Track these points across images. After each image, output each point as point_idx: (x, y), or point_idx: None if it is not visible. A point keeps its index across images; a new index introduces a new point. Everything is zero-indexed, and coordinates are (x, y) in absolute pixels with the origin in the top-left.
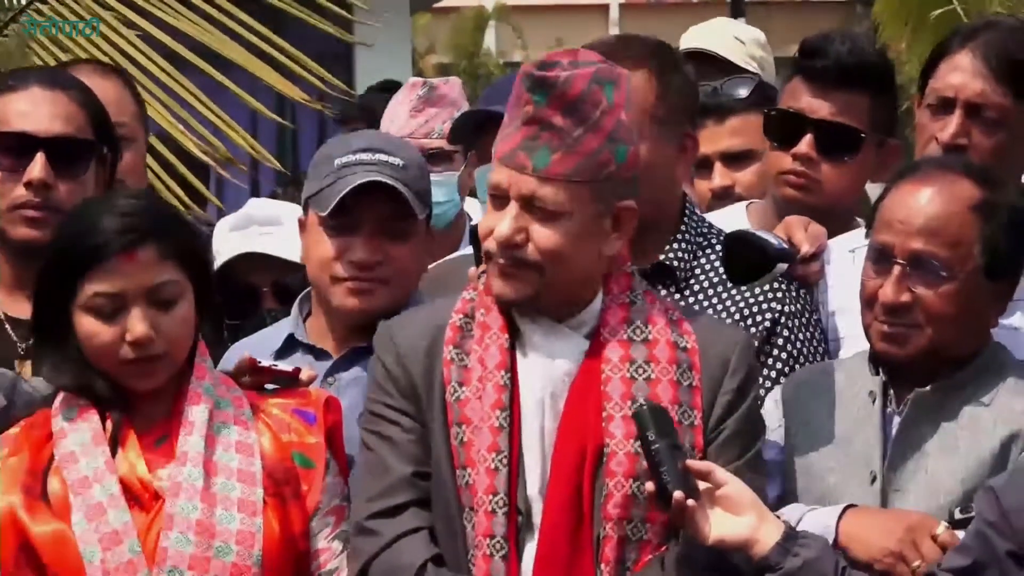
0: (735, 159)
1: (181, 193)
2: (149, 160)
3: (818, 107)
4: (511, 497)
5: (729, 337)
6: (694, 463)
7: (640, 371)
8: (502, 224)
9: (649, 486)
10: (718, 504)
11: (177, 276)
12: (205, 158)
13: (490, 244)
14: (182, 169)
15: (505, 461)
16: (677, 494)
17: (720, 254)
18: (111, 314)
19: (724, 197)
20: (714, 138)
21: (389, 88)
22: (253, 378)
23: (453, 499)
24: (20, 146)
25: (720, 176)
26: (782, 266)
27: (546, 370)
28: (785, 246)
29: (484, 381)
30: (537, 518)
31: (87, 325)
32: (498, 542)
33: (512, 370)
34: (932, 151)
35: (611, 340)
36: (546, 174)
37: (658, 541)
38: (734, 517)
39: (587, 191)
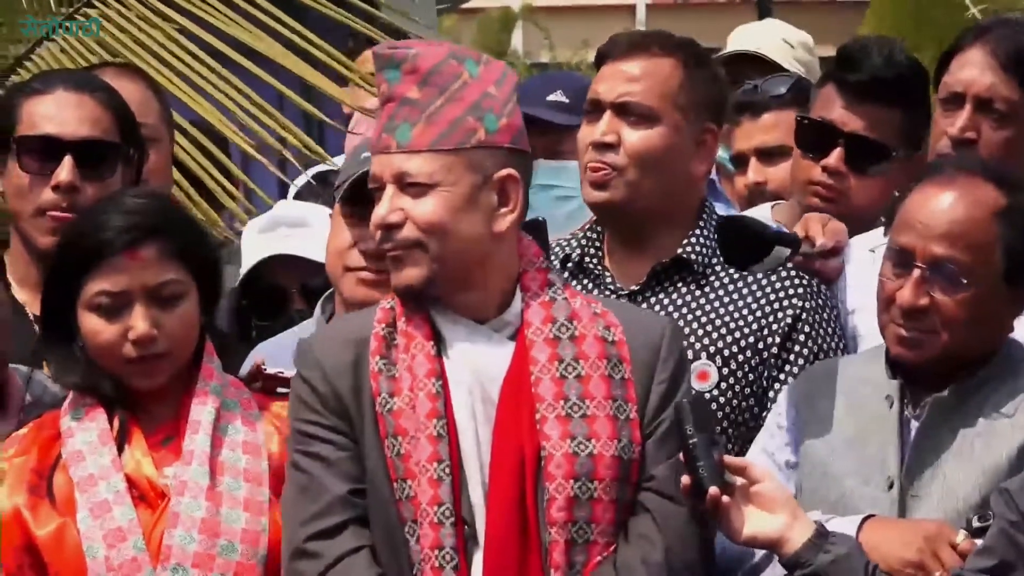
0: (769, 155)
1: (223, 180)
2: (192, 150)
3: (850, 120)
4: (455, 507)
5: (655, 325)
6: (731, 459)
7: (570, 369)
8: (379, 208)
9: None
10: (752, 501)
11: (180, 275)
12: (246, 146)
13: (376, 236)
14: (221, 157)
15: (447, 471)
16: (712, 490)
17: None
18: (114, 312)
19: (757, 194)
20: (750, 134)
21: None
22: (263, 383)
23: (393, 513)
24: (47, 149)
25: (754, 172)
26: (782, 250)
27: (474, 375)
28: (785, 231)
29: (416, 390)
30: (482, 527)
31: (91, 323)
32: (447, 553)
33: (442, 377)
34: (943, 146)
35: (537, 340)
36: (410, 147)
37: (605, 541)
38: (767, 515)
39: (456, 160)
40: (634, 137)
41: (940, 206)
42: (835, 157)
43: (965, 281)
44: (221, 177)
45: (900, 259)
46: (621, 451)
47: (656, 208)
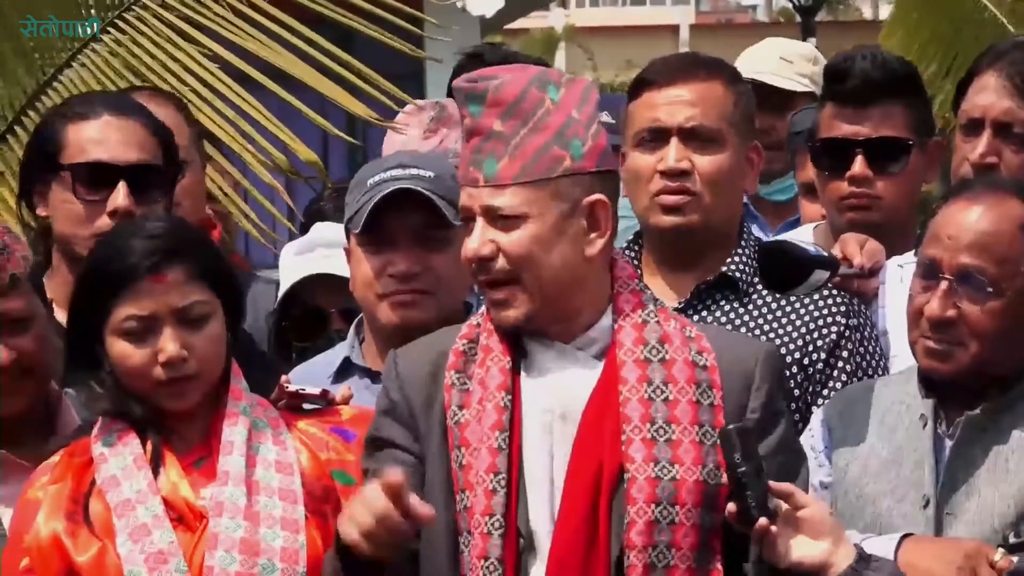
0: None
1: (253, 215)
2: (213, 175)
3: (860, 128)
4: (509, 519)
5: (749, 350)
6: (776, 485)
7: (658, 392)
8: (470, 242)
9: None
10: (797, 526)
11: (206, 296)
12: (271, 179)
13: (470, 269)
14: (242, 180)
15: (503, 483)
16: (762, 521)
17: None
18: (143, 336)
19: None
20: None
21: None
22: (288, 400)
23: (449, 525)
24: (99, 175)
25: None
26: (822, 273)
27: (556, 392)
28: (824, 254)
29: (484, 402)
30: (543, 541)
31: (120, 348)
32: (492, 564)
33: (514, 392)
34: (965, 172)
35: (627, 360)
36: (496, 181)
37: (685, 566)
38: (812, 541)
39: (544, 191)
40: (705, 162)
41: (967, 219)
42: (859, 165)
43: (991, 291)
44: (243, 204)
45: (927, 272)
46: (707, 476)
47: (715, 231)
